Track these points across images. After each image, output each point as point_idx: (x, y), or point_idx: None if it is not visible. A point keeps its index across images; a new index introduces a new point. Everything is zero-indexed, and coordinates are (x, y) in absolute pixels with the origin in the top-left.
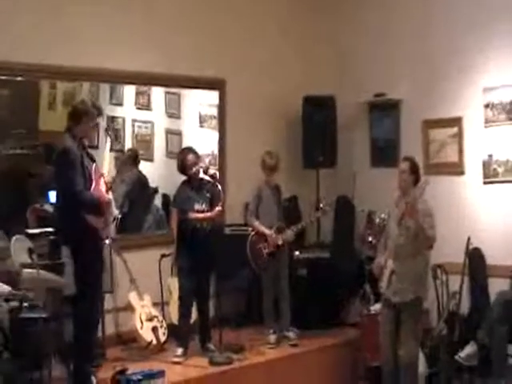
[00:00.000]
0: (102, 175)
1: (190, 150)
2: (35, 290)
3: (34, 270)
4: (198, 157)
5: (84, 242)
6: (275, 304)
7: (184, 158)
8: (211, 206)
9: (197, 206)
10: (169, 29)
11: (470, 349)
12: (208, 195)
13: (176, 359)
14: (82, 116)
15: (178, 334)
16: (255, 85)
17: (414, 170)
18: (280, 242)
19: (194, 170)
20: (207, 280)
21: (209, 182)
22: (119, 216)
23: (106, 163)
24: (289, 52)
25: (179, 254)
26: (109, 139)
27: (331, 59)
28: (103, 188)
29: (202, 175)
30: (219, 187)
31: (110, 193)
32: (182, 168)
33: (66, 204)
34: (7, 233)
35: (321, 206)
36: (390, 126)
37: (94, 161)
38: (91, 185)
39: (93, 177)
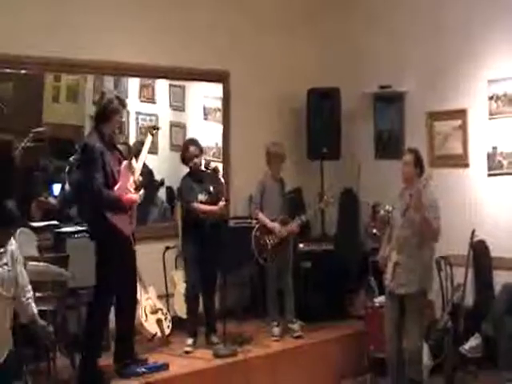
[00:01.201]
0: (133, 173)
1: (192, 141)
2: (40, 282)
3: (40, 263)
4: (200, 149)
5: (105, 237)
6: (279, 296)
7: (185, 150)
8: (215, 199)
9: (200, 197)
10: (173, 21)
11: (474, 341)
12: (211, 188)
13: (187, 348)
14: (111, 115)
15: (187, 324)
16: (259, 77)
17: (418, 161)
18: (285, 235)
19: (195, 161)
20: (213, 272)
21: (209, 173)
22: None
23: (140, 162)
24: (293, 44)
25: (185, 246)
26: (150, 138)
27: (336, 51)
28: (132, 187)
29: (203, 168)
30: (222, 180)
31: (141, 192)
32: (183, 159)
33: (87, 200)
34: None
35: (324, 197)
36: (395, 118)
37: (125, 158)
38: (115, 184)
39: (116, 175)
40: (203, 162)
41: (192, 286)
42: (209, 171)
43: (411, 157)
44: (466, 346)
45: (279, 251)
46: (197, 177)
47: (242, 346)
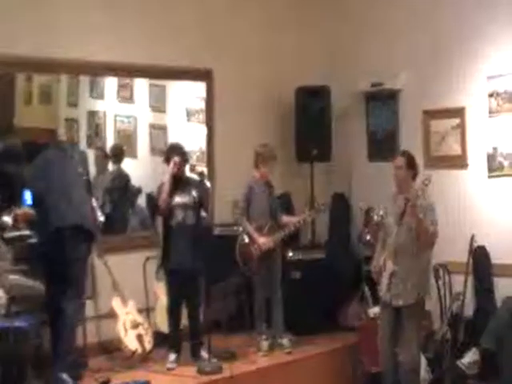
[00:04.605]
0: None
1: (177, 147)
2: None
3: (14, 276)
4: (183, 153)
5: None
6: (268, 308)
7: (170, 154)
8: (199, 206)
9: (177, 199)
10: (152, 17)
11: (472, 356)
12: (194, 193)
13: (170, 365)
14: None
15: (169, 339)
16: (245, 75)
17: (410, 164)
18: (271, 245)
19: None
20: (195, 282)
21: (193, 180)
22: (102, 220)
23: None
24: (280, 40)
25: (165, 256)
26: None
27: (325, 47)
28: None
29: (187, 172)
30: (208, 186)
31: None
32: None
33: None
34: None
35: (315, 204)
36: (389, 118)
37: None
38: None
39: None
40: (187, 167)
41: (173, 299)
42: (194, 176)
43: (403, 160)
44: (464, 361)
45: (266, 261)
46: (181, 180)
47: (229, 362)
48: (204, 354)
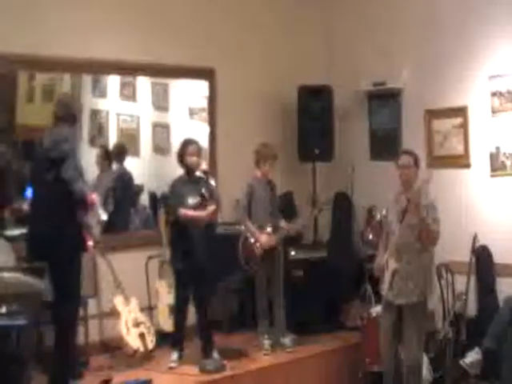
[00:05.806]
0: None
1: (191, 140)
2: (10, 295)
3: (14, 274)
4: (199, 150)
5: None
6: (270, 307)
7: (185, 147)
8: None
9: (190, 201)
10: (155, 15)
11: (474, 356)
12: (203, 191)
13: (172, 364)
14: None
15: (172, 338)
16: (247, 74)
17: (417, 163)
18: (273, 244)
19: (194, 159)
20: (202, 282)
21: (202, 178)
22: (105, 218)
23: None
24: (282, 39)
25: (173, 257)
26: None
27: (327, 46)
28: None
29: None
30: (213, 183)
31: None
32: (181, 158)
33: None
34: None
35: (317, 207)
36: (391, 117)
37: None
38: None
39: None
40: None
41: (179, 298)
42: (200, 174)
43: (411, 159)
44: (467, 361)
45: (268, 259)
46: (192, 178)
47: (231, 361)
48: (216, 355)
